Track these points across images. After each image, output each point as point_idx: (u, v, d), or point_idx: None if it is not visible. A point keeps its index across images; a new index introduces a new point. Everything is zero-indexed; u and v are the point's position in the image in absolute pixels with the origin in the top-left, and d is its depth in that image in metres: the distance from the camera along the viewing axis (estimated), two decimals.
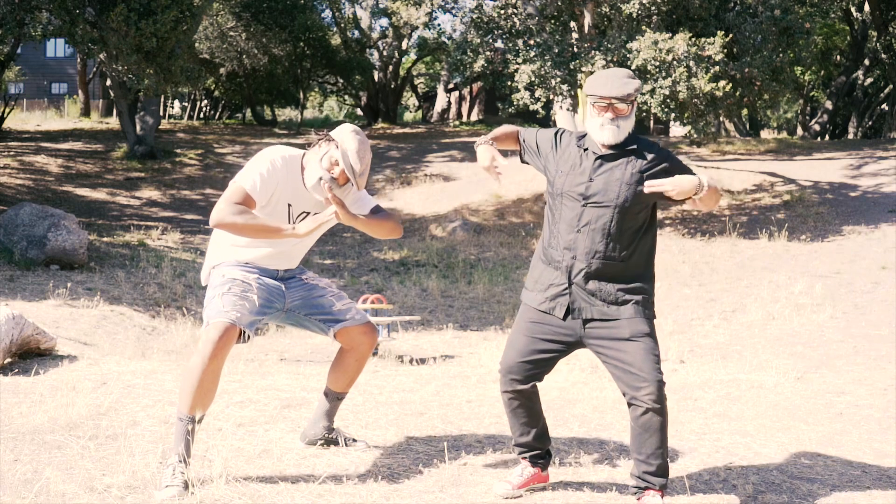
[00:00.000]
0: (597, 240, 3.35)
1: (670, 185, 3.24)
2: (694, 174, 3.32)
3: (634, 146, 3.40)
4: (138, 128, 22.33)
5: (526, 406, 3.55)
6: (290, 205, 3.63)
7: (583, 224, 3.37)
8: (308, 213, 3.67)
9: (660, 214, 16.71)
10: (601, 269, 3.36)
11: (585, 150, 3.43)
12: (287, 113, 45.05)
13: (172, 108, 41.26)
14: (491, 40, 17.82)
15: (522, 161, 3.66)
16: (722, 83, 15.03)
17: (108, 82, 21.38)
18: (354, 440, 4.08)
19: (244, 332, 3.51)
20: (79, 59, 31.40)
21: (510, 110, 18.01)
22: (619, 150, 3.39)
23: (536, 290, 3.49)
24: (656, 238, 3.51)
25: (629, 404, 3.33)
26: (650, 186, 3.27)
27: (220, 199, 3.49)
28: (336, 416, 4.19)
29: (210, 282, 3.70)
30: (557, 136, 3.55)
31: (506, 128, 3.70)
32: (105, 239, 14.20)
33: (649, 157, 3.38)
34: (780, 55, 16.01)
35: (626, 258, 3.37)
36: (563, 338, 3.44)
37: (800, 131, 29.92)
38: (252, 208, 3.48)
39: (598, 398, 5.41)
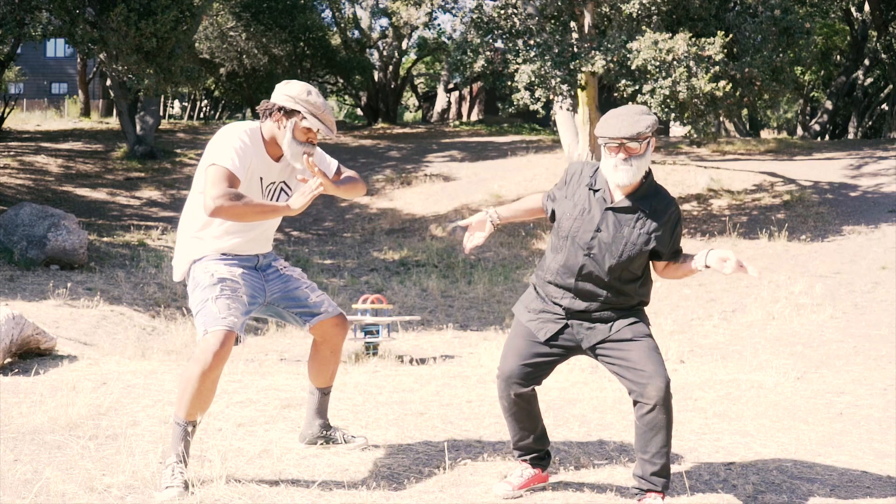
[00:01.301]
0: (598, 288, 3.37)
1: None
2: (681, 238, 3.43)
3: (648, 207, 3.33)
4: (138, 128, 22.33)
5: (525, 410, 3.53)
6: (261, 178, 3.61)
7: (584, 273, 3.37)
8: (275, 184, 3.65)
9: None
10: (600, 308, 3.40)
11: (596, 191, 3.37)
12: None
13: (172, 108, 41.27)
14: (491, 40, 17.81)
15: (552, 221, 3.56)
16: (722, 83, 15.02)
17: (108, 82, 21.38)
18: (354, 437, 4.08)
19: (237, 335, 3.48)
20: (79, 59, 31.40)
21: (510, 110, 18.00)
22: (632, 202, 3.33)
23: (530, 308, 3.51)
24: (651, 273, 3.52)
25: (635, 402, 3.32)
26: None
27: (208, 186, 3.38)
28: (336, 416, 4.19)
29: (195, 280, 3.59)
30: (568, 174, 3.48)
31: (526, 202, 3.65)
32: (105, 239, 14.20)
33: (662, 217, 3.34)
34: (780, 55, 16.01)
35: (625, 298, 3.41)
36: (563, 343, 3.45)
37: (800, 131, 29.92)
38: (237, 187, 3.43)
39: (598, 398, 5.40)
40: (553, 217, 3.52)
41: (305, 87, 3.53)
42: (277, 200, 3.69)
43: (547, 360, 3.47)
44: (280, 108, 3.52)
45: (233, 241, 3.63)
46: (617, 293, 3.38)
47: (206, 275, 3.57)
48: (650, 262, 3.46)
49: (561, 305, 3.42)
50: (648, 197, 3.35)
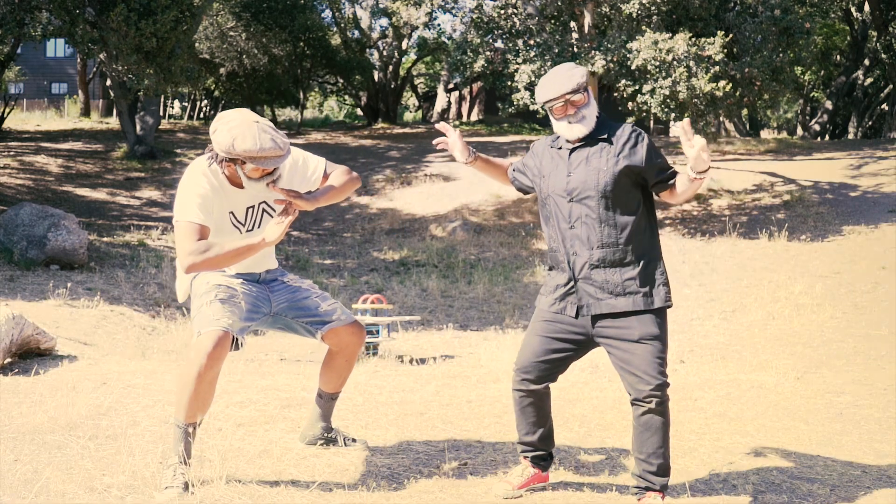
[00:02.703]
0: (592, 230, 3.37)
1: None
2: (662, 158, 3.39)
3: (605, 134, 3.41)
4: (138, 128, 22.33)
5: (536, 406, 3.55)
6: (231, 212, 3.52)
7: (574, 219, 3.39)
8: (251, 207, 3.55)
9: (659, 214, 16.71)
10: (603, 258, 3.36)
11: (559, 148, 3.48)
12: (287, 113, 45.05)
13: (172, 108, 41.26)
14: (491, 40, 17.82)
15: (517, 189, 3.73)
16: (722, 83, 15.03)
17: (108, 82, 21.37)
18: (354, 440, 4.08)
19: (236, 339, 3.45)
20: (79, 59, 31.40)
21: (510, 110, 18.00)
22: (590, 139, 3.42)
23: (546, 292, 3.52)
24: (656, 223, 3.50)
25: (632, 404, 3.35)
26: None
27: (178, 244, 3.33)
28: (336, 417, 4.19)
29: (194, 291, 3.58)
30: (533, 148, 3.63)
31: (499, 159, 3.85)
32: (105, 239, 14.20)
33: (622, 140, 3.39)
34: (780, 55, 16.02)
35: (625, 243, 3.36)
36: (575, 336, 3.44)
37: (800, 131, 29.92)
38: (207, 236, 3.35)
39: (598, 398, 5.40)
40: (516, 186, 3.70)
41: (230, 137, 3.28)
42: (262, 222, 3.60)
43: (561, 357, 3.48)
44: (223, 159, 3.36)
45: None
46: (612, 233, 3.35)
47: (203, 283, 3.56)
48: (643, 202, 3.41)
49: (568, 266, 3.41)
50: (604, 128, 3.43)
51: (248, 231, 3.57)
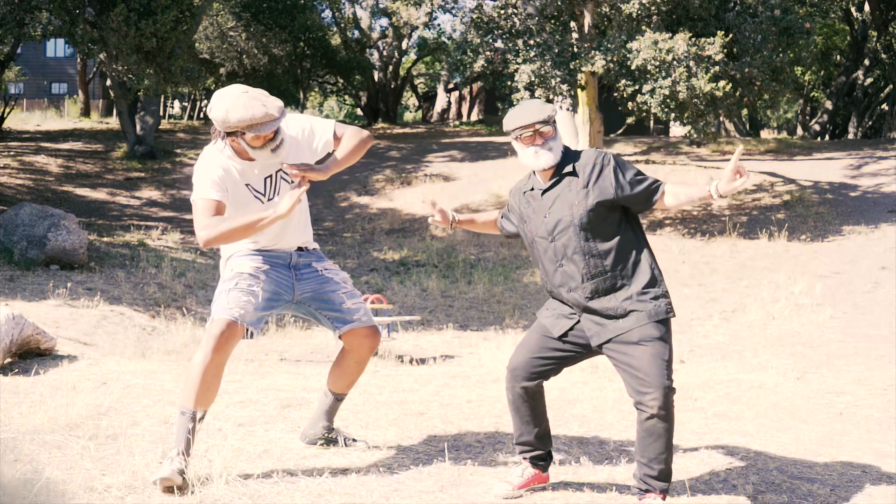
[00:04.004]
0: (578, 265, 3.40)
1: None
2: (633, 176, 3.39)
3: (571, 167, 3.46)
4: (138, 128, 22.33)
5: (530, 405, 3.56)
6: (247, 185, 3.61)
7: (560, 257, 3.45)
8: (269, 177, 3.62)
9: (659, 215, 16.70)
10: (595, 288, 3.40)
11: (532, 190, 3.55)
12: None
13: (172, 108, 41.26)
14: (491, 40, 17.81)
15: (506, 237, 3.87)
16: (722, 83, 15.03)
17: (108, 82, 21.38)
18: (354, 440, 4.08)
19: (249, 329, 3.52)
20: (79, 59, 31.40)
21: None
22: (557, 177, 3.47)
23: (550, 316, 3.56)
24: (642, 234, 3.51)
25: (636, 407, 3.34)
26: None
27: (195, 220, 3.46)
28: (336, 416, 4.18)
29: (221, 275, 3.71)
30: (510, 194, 3.73)
31: (484, 214, 3.98)
32: (105, 239, 14.20)
33: (587, 169, 3.43)
34: (780, 55, 16.02)
35: (612, 268, 3.38)
36: (576, 340, 3.47)
37: (800, 131, 29.93)
38: (224, 209, 3.48)
39: (598, 398, 5.40)
40: (504, 234, 3.83)
41: (222, 108, 3.39)
42: (281, 189, 3.66)
43: (557, 357, 3.49)
44: (223, 136, 3.50)
45: (262, 236, 3.64)
46: (601, 263, 3.38)
47: (228, 270, 3.66)
48: (623, 221, 3.43)
49: (568, 302, 3.47)
50: (568, 161, 3.49)
51: (269, 200, 3.64)
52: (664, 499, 3.38)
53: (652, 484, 3.36)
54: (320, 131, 3.72)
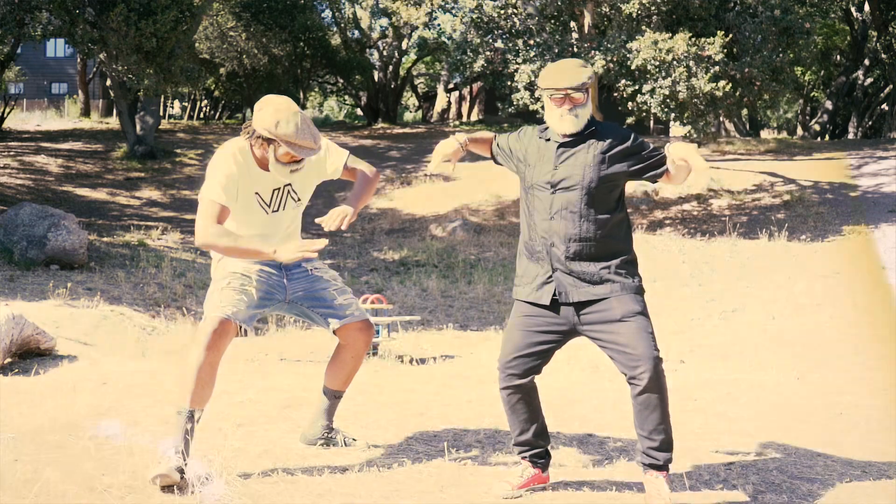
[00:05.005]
0: (571, 223, 3.42)
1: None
2: (659, 151, 3.46)
3: (595, 131, 3.47)
4: (138, 128, 22.33)
5: (525, 401, 3.57)
6: (257, 192, 3.66)
7: (555, 211, 3.44)
8: (277, 190, 3.69)
9: (659, 214, 16.71)
10: (579, 251, 3.42)
11: (548, 140, 3.52)
12: None
13: (172, 108, 41.26)
14: (491, 40, 17.82)
15: (497, 163, 3.76)
16: (722, 83, 15.03)
17: (108, 82, 21.38)
18: (354, 440, 4.08)
19: (241, 326, 3.55)
20: (79, 59, 31.39)
21: (510, 110, 18.01)
22: (579, 136, 3.47)
23: (523, 283, 3.58)
24: (629, 220, 3.58)
25: (628, 383, 3.38)
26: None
27: (198, 218, 3.51)
28: (336, 416, 4.19)
29: (213, 276, 3.76)
30: (521, 134, 3.66)
31: (483, 133, 3.81)
32: (105, 239, 14.20)
33: (609, 138, 3.46)
34: (780, 55, 16.02)
35: (602, 237, 3.43)
36: (557, 328, 3.49)
37: (800, 131, 29.93)
38: (228, 214, 3.54)
39: (598, 398, 5.41)
40: (496, 161, 3.73)
41: (274, 117, 3.46)
42: (285, 205, 3.74)
43: (543, 349, 3.51)
44: (258, 136, 3.54)
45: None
46: (591, 227, 3.41)
47: (221, 270, 3.71)
48: (621, 198, 3.50)
49: (542, 258, 3.47)
50: (593, 126, 3.49)
51: (273, 212, 3.71)
52: (666, 476, 3.40)
53: (655, 456, 3.39)
54: (335, 157, 3.85)
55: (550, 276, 3.46)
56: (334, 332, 3.83)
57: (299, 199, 3.80)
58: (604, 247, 3.43)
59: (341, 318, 3.79)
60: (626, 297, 3.39)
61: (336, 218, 3.55)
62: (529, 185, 3.52)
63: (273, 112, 3.47)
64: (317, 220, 3.59)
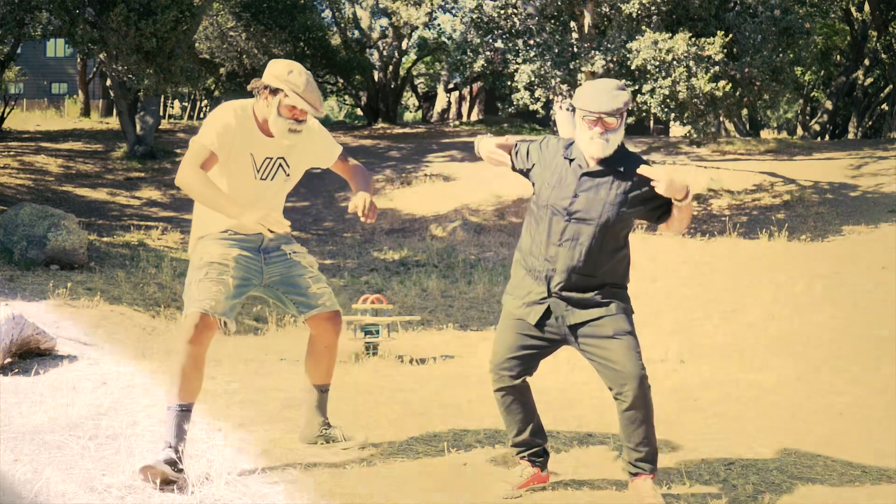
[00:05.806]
0: (577, 256, 3.40)
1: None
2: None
3: (622, 167, 3.39)
4: (138, 128, 22.32)
5: (519, 402, 3.60)
6: (251, 154, 3.69)
7: (565, 239, 3.41)
8: (269, 159, 3.72)
9: None
10: (578, 283, 3.42)
11: (572, 160, 3.44)
12: None
13: (172, 108, 41.26)
14: (491, 40, 17.81)
15: (513, 170, 3.64)
16: (722, 83, 15.03)
17: (108, 82, 21.40)
18: (354, 435, 4.08)
19: (222, 320, 3.57)
20: (79, 59, 31.40)
21: (510, 110, 18.00)
22: (605, 167, 3.39)
23: (515, 295, 3.56)
24: (629, 256, 3.57)
25: (615, 398, 3.44)
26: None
27: (185, 158, 3.54)
28: (336, 417, 4.19)
29: (191, 260, 3.76)
30: (542, 145, 3.56)
31: (507, 138, 3.71)
32: (105, 239, 14.20)
33: (636, 178, 3.39)
34: (780, 55, 16.02)
35: (603, 273, 3.44)
36: (548, 336, 3.51)
37: (800, 131, 29.92)
38: (215, 163, 3.56)
39: (598, 398, 5.40)
40: (514, 163, 3.58)
41: (288, 66, 3.62)
42: (275, 176, 3.77)
43: (534, 353, 3.55)
44: (266, 87, 3.61)
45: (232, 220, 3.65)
46: (596, 263, 3.40)
47: (197, 257, 3.71)
48: (628, 233, 3.51)
49: (538, 276, 3.46)
50: (620, 160, 3.42)
51: (261, 179, 3.74)
52: (654, 478, 3.47)
53: (641, 466, 3.46)
54: (332, 145, 3.95)
55: (544, 299, 3.45)
56: (305, 321, 3.87)
57: (289, 175, 3.82)
58: (602, 280, 3.44)
59: (312, 308, 3.84)
60: (618, 316, 3.43)
61: (367, 204, 3.64)
62: (544, 204, 3.45)
63: (287, 64, 3.63)
64: (350, 210, 3.66)
